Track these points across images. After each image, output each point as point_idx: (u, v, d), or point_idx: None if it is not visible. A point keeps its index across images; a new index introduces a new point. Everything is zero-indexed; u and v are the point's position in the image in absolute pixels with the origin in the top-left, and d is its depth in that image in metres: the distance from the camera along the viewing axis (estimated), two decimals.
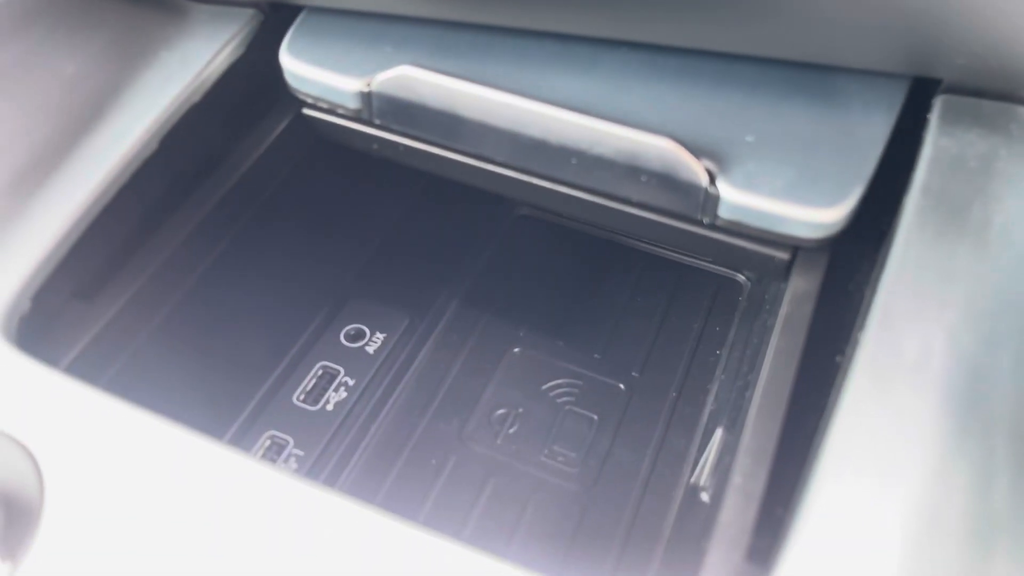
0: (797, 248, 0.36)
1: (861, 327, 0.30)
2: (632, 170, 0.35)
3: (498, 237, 0.57)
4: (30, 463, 0.27)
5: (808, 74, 0.37)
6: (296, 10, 0.42)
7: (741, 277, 0.56)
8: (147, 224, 0.38)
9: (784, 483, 0.28)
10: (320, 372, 0.48)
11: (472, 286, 0.54)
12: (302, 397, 0.47)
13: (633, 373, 0.51)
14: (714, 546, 0.28)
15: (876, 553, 0.25)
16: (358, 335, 0.50)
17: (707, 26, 0.36)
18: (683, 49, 0.38)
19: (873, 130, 0.36)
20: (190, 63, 0.40)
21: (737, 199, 0.34)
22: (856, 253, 0.36)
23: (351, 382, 0.48)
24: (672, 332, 0.53)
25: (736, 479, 0.29)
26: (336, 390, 0.48)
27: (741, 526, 0.28)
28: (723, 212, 0.35)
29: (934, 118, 0.36)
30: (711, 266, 0.56)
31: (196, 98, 0.39)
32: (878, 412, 0.27)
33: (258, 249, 0.44)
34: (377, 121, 0.40)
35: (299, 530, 0.26)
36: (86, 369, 0.32)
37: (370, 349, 0.49)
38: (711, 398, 0.50)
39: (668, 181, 0.35)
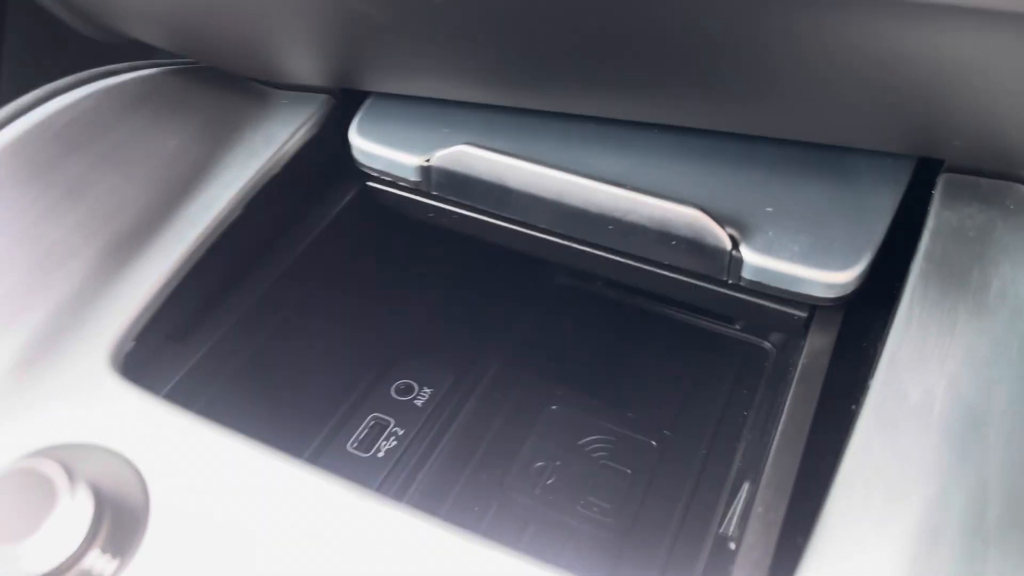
0: (814, 307, 0.39)
1: (871, 376, 0.33)
2: (663, 235, 0.39)
3: (537, 304, 0.62)
4: (136, 476, 0.31)
5: (823, 153, 0.42)
6: (363, 95, 0.47)
7: (767, 344, 0.59)
8: (231, 279, 0.43)
9: (802, 513, 0.31)
10: (372, 423, 0.52)
11: (513, 347, 0.58)
12: (355, 445, 0.51)
13: (664, 432, 0.54)
14: (738, 569, 0.30)
15: (881, 570, 0.27)
16: (407, 389, 0.54)
17: (730, 113, 0.41)
18: (708, 131, 0.42)
19: (882, 203, 0.40)
20: (271, 141, 0.45)
21: (758, 262, 0.38)
22: (868, 313, 0.40)
23: (400, 432, 0.52)
24: (701, 394, 0.56)
25: (758, 509, 0.32)
26: (387, 439, 0.51)
27: (763, 550, 0.31)
28: (746, 273, 0.38)
29: (937, 194, 0.40)
30: (738, 333, 0.60)
31: (276, 171, 0.44)
32: (884, 449, 0.30)
33: (322, 307, 0.49)
34: (434, 192, 0.45)
35: (366, 537, 0.29)
36: (179, 399, 0.36)
37: (418, 402, 0.53)
38: (738, 456, 0.52)
39: (695, 246, 0.39)
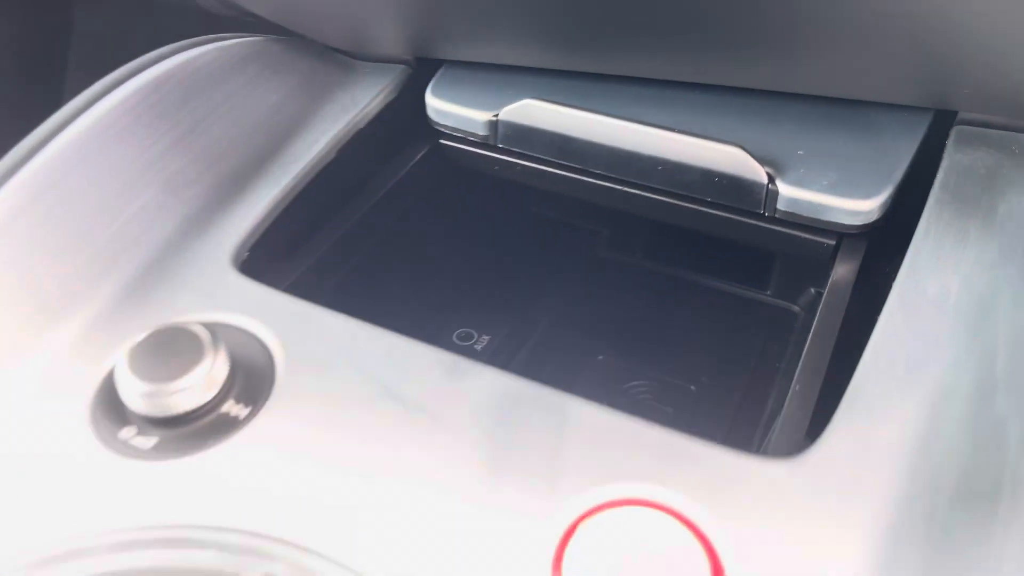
0: (841, 236, 0.44)
1: (894, 278, 0.38)
2: (707, 173, 0.45)
3: (584, 270, 0.67)
4: (261, 345, 0.36)
5: (847, 107, 0.47)
6: (436, 65, 0.53)
7: (796, 307, 0.64)
8: (323, 213, 0.48)
9: (834, 389, 0.36)
10: None
11: (562, 306, 0.63)
12: None
13: (702, 378, 0.58)
14: (778, 429, 0.35)
15: (905, 420, 0.32)
16: (467, 336, 0.59)
17: (762, 71, 0.47)
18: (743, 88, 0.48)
19: (901, 147, 0.45)
20: (357, 102, 0.51)
21: (792, 194, 0.43)
22: (890, 245, 0.45)
23: None
24: (735, 350, 0.61)
25: (796, 387, 0.37)
26: None
27: (802, 415, 0.35)
28: (780, 205, 0.44)
29: (951, 141, 0.45)
30: (768, 298, 0.64)
31: (361, 126, 0.50)
32: (906, 329, 0.35)
33: (394, 253, 0.54)
34: (500, 145, 0.50)
35: (462, 399, 0.34)
36: None
37: (477, 347, 0.58)
38: (771, 401, 0.57)
39: (736, 181, 0.44)
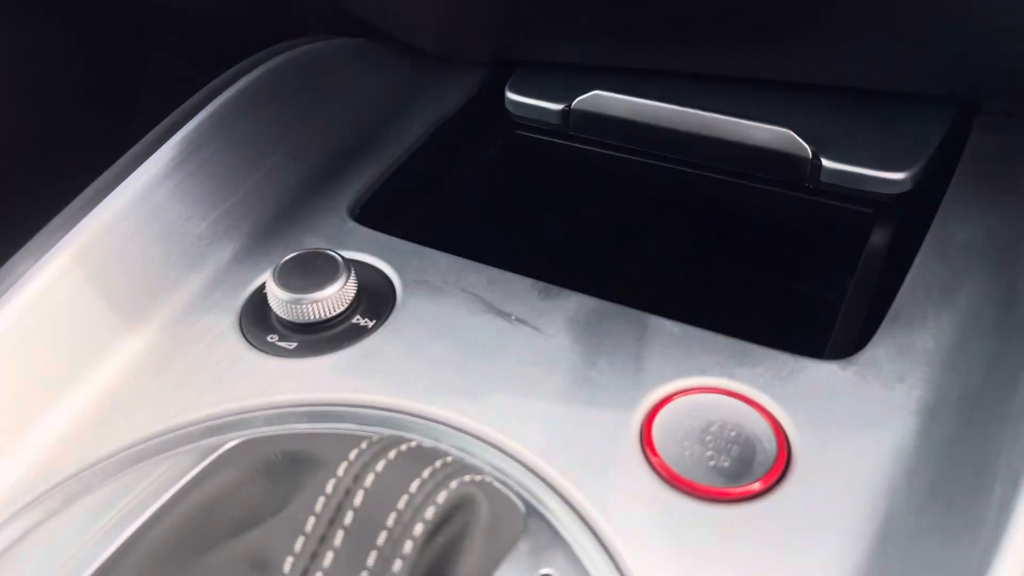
0: (878, 205, 0.50)
1: (927, 231, 0.43)
2: (759, 150, 0.51)
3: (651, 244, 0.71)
4: (381, 275, 0.42)
5: (881, 99, 0.53)
6: (511, 66, 0.60)
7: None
8: (420, 182, 0.55)
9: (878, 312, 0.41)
10: None
11: (628, 265, 0.67)
12: None
13: (763, 305, 0.61)
14: (831, 340, 0.40)
15: (933, 336, 0.37)
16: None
17: (806, 66, 0.53)
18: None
19: (931, 130, 0.51)
20: (445, 96, 0.58)
21: (833, 166, 0.49)
22: (921, 214, 0.50)
23: None
24: (786, 297, 0.64)
25: (846, 306, 0.42)
26: None
27: (852, 328, 0.41)
28: (823, 177, 0.49)
29: (975, 129, 0.51)
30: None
31: (450, 115, 0.57)
32: (939, 266, 0.41)
33: (473, 231, 0.61)
34: (572, 132, 0.57)
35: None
36: None
37: None
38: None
39: (784, 157, 0.50)
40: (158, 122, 0.47)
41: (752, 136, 0.51)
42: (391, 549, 0.28)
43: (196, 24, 0.86)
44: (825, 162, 0.49)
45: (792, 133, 0.50)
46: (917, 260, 0.41)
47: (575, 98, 0.56)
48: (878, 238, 0.49)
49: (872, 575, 0.29)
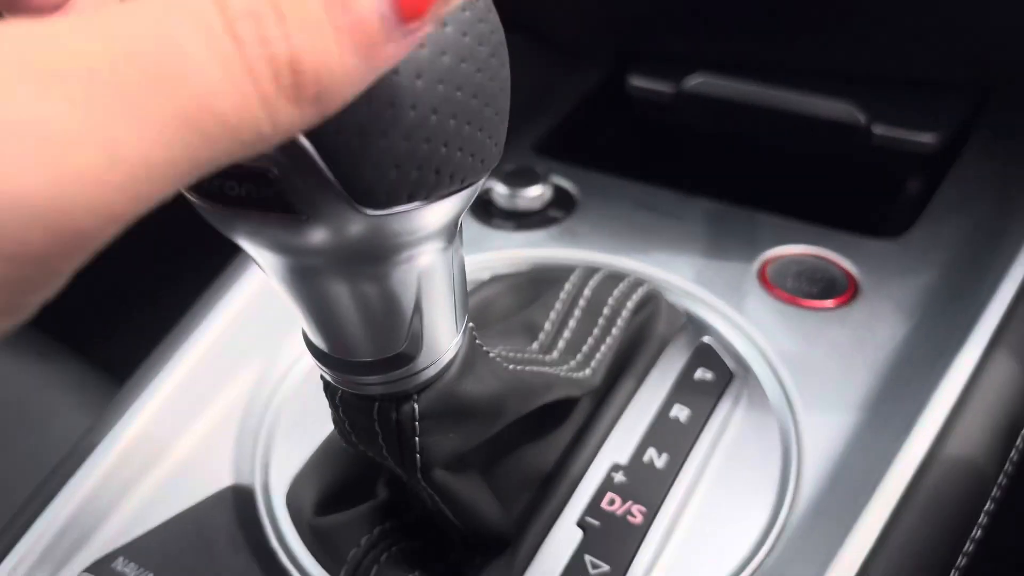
0: (915, 158, 0.67)
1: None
2: (825, 120, 0.69)
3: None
4: (563, 188, 0.61)
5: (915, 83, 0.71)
6: (631, 56, 0.79)
7: None
8: (579, 133, 0.73)
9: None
10: None
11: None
12: None
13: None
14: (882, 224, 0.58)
15: (973, 222, 0.55)
16: None
17: (858, 60, 0.71)
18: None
19: (955, 111, 0.68)
20: (573, 84, 0.77)
21: (882, 132, 0.67)
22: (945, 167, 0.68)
23: None
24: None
25: (903, 198, 0.60)
26: None
27: (906, 211, 0.58)
28: (875, 135, 0.67)
29: (989, 108, 0.68)
30: None
31: (585, 92, 0.76)
32: (967, 176, 0.58)
33: (623, 160, 0.79)
34: (685, 111, 0.75)
35: None
36: None
37: None
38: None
39: (845, 124, 0.68)
40: None
41: (823, 108, 0.69)
42: (609, 320, 0.46)
43: None
44: (875, 128, 0.67)
45: (851, 106, 0.68)
46: (947, 177, 0.59)
47: (687, 82, 0.74)
48: (912, 182, 0.66)
49: (878, 359, 0.46)
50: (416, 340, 0.30)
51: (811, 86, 0.69)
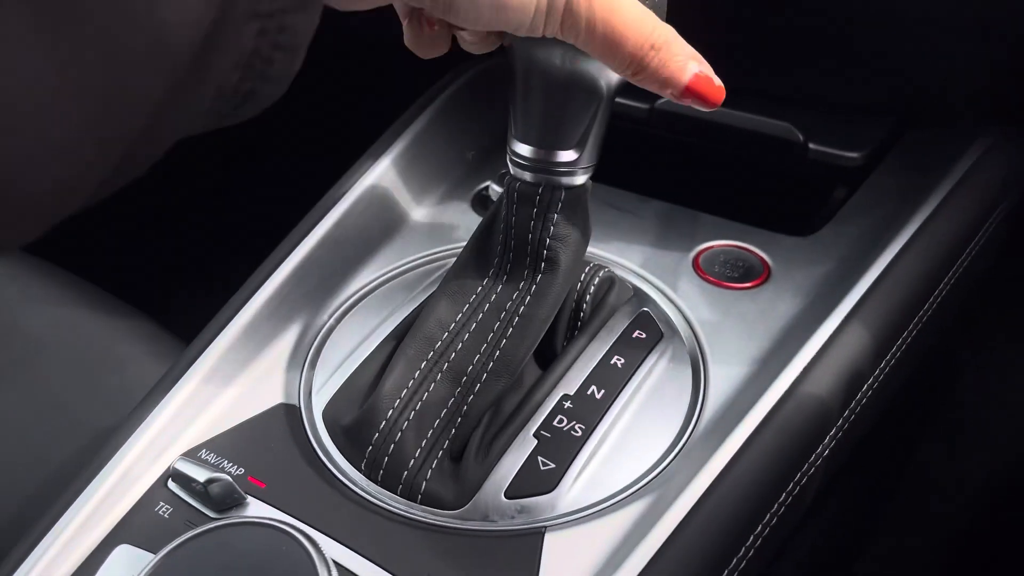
0: (843, 169, 0.81)
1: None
2: (766, 136, 0.82)
3: None
4: None
5: (843, 106, 0.84)
6: None
7: None
8: None
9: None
10: None
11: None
12: None
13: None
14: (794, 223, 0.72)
15: (850, 230, 0.68)
16: None
17: (801, 85, 0.85)
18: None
19: (877, 129, 0.82)
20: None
21: (818, 147, 0.80)
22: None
23: None
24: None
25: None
26: None
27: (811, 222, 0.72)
28: (810, 155, 0.81)
29: (910, 129, 0.82)
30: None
31: None
32: (864, 200, 0.72)
33: None
34: (654, 123, 0.89)
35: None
36: None
37: None
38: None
39: (785, 140, 0.82)
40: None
41: (768, 126, 0.83)
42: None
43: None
44: (812, 145, 0.81)
45: (791, 126, 0.82)
46: (852, 197, 0.72)
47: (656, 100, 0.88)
48: (839, 190, 0.80)
49: (774, 328, 0.60)
50: (582, 146, 0.54)
51: (759, 109, 0.83)
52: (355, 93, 1.38)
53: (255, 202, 1.52)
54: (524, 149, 0.55)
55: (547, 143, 0.55)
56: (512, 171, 0.57)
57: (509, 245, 0.58)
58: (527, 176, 0.56)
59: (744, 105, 0.83)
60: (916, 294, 0.61)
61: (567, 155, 0.55)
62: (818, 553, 0.78)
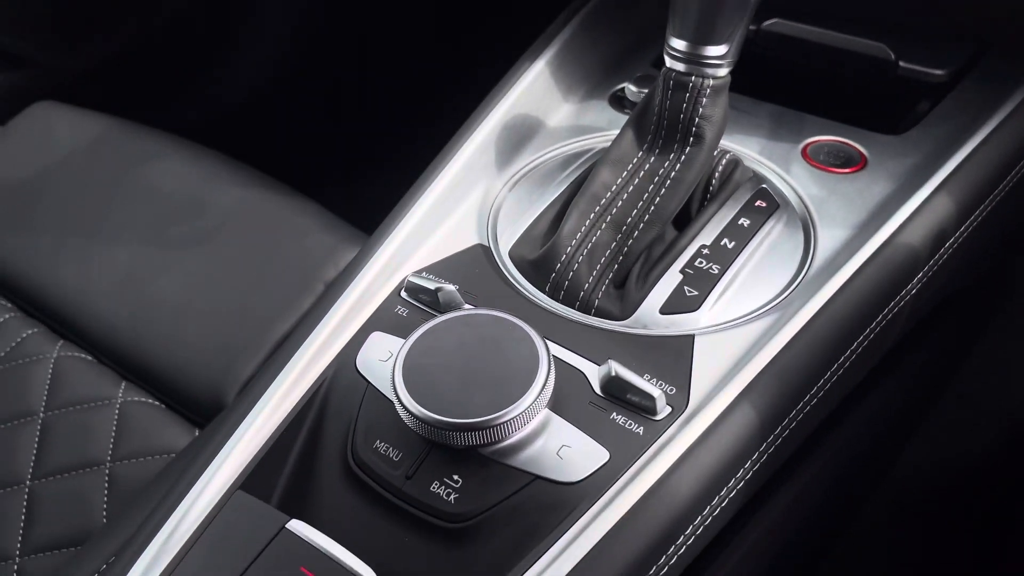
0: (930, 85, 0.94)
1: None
2: (862, 55, 0.95)
3: None
4: None
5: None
6: None
7: None
8: None
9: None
10: None
11: None
12: None
13: None
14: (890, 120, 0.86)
15: (941, 132, 0.82)
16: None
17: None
18: None
19: (960, 52, 0.94)
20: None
21: (907, 65, 0.93)
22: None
23: None
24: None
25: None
26: None
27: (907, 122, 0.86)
28: (900, 71, 0.94)
29: (987, 55, 0.94)
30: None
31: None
32: (950, 108, 0.85)
33: None
34: (761, 44, 1.02)
35: None
36: None
37: None
38: None
39: (880, 60, 0.94)
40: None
41: (864, 46, 0.95)
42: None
43: None
44: (902, 63, 0.94)
45: (885, 46, 0.94)
46: (937, 106, 0.86)
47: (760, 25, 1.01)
48: (922, 104, 0.93)
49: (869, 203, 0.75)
50: (729, 43, 0.68)
51: (854, 31, 0.96)
52: None
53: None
54: (680, 44, 0.70)
55: (701, 39, 0.69)
56: (668, 63, 0.72)
57: (662, 124, 0.73)
58: (681, 67, 0.71)
59: (845, 29, 0.96)
60: (990, 178, 0.75)
61: (717, 50, 0.69)
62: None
